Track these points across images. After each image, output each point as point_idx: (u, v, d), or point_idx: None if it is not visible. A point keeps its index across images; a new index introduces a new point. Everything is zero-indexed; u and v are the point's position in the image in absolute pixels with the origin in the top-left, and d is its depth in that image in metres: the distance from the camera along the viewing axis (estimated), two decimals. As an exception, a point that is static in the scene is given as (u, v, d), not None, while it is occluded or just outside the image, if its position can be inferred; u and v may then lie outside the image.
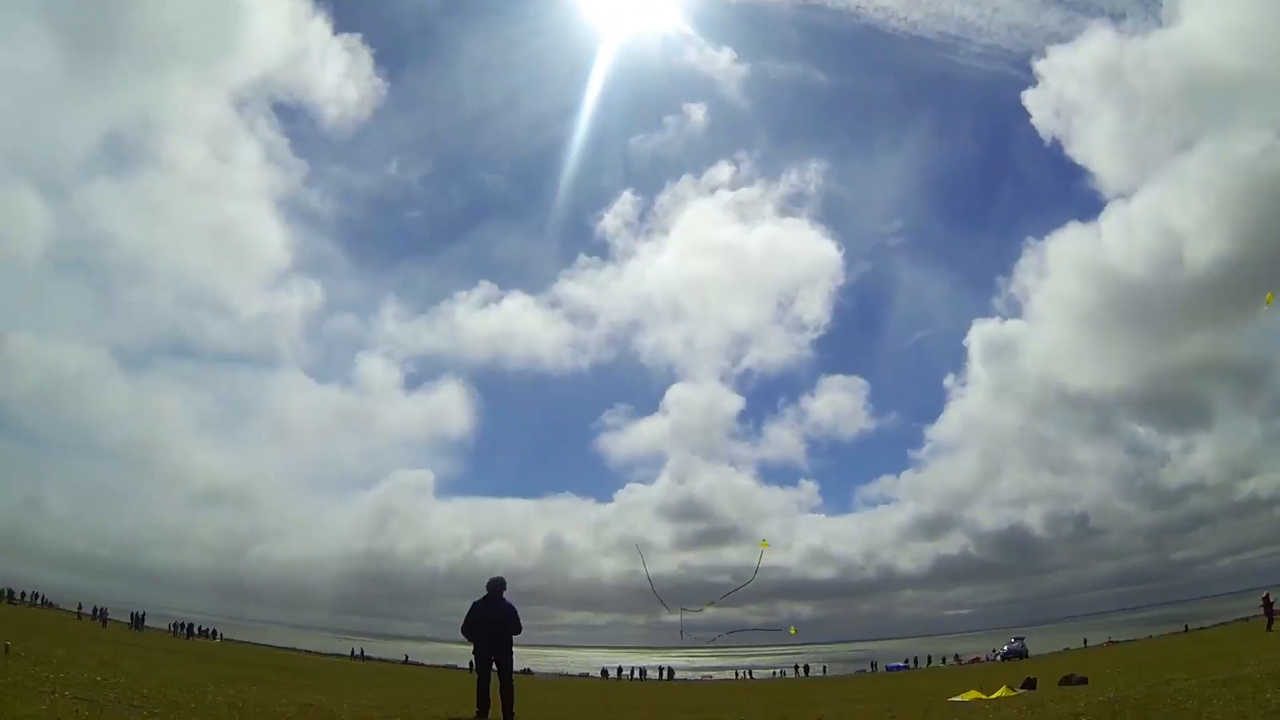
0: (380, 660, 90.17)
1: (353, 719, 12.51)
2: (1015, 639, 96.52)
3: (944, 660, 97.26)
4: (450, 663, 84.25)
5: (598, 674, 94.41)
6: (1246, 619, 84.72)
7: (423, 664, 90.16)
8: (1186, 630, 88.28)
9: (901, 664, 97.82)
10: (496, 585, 15.81)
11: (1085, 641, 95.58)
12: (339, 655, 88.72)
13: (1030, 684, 24.75)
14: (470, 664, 16.39)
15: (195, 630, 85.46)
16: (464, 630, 15.71)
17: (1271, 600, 49.49)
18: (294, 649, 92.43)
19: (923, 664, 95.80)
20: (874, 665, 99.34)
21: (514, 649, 15.77)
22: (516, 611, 15.84)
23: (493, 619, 15.55)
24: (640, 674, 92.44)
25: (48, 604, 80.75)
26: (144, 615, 75.44)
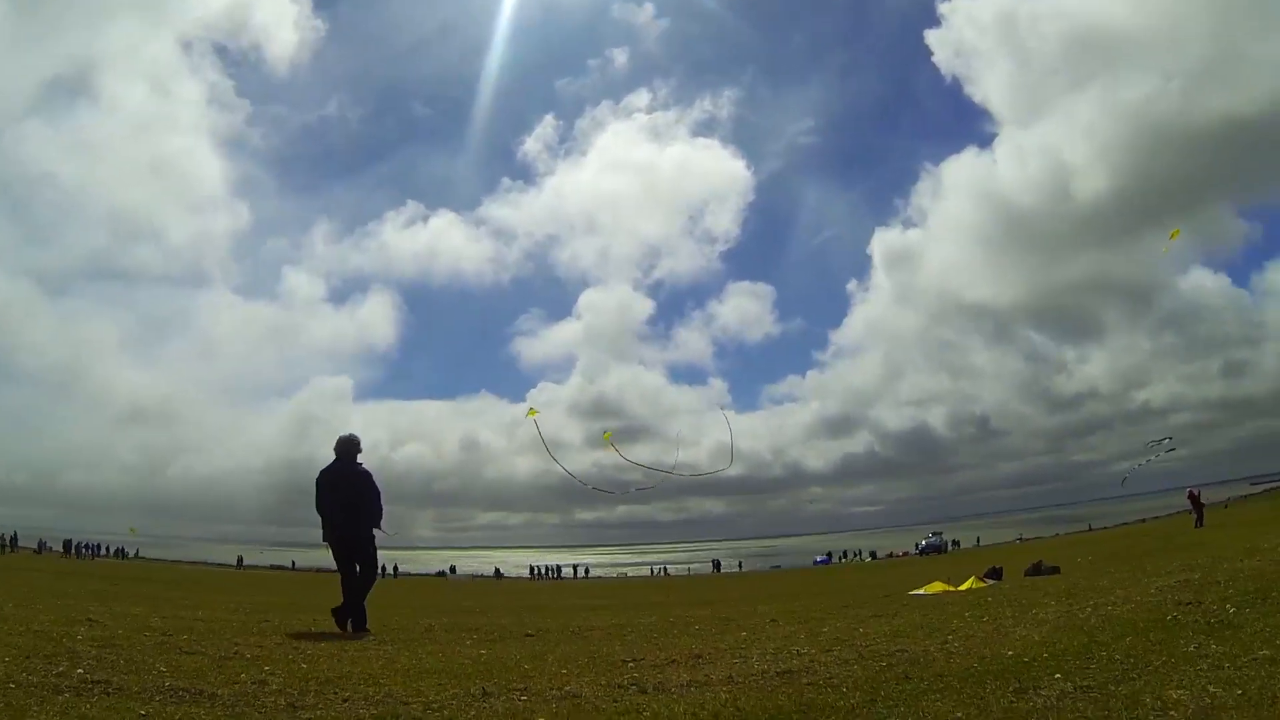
0: (269, 568, 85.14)
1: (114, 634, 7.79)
2: (933, 533, 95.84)
3: (858, 555, 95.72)
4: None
5: (518, 574, 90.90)
6: (1144, 519, 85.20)
7: (321, 569, 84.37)
8: (1090, 529, 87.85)
9: (825, 558, 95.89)
10: (346, 446, 10.79)
11: (978, 540, 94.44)
12: (253, 567, 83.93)
13: (996, 574, 21.95)
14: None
15: (101, 550, 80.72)
16: (318, 508, 10.70)
17: (1198, 495, 47.83)
18: (205, 562, 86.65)
19: (838, 559, 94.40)
20: (830, 556, 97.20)
21: (374, 539, 10.90)
22: (371, 478, 10.79)
23: (342, 494, 10.58)
24: (555, 572, 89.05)
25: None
26: (15, 536, 70.00)
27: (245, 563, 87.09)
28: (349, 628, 10.24)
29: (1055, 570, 21.26)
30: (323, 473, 10.75)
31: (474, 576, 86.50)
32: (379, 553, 11.11)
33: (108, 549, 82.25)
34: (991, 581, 20.07)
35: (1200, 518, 44.59)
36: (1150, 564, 16.19)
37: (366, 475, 10.77)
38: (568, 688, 5.85)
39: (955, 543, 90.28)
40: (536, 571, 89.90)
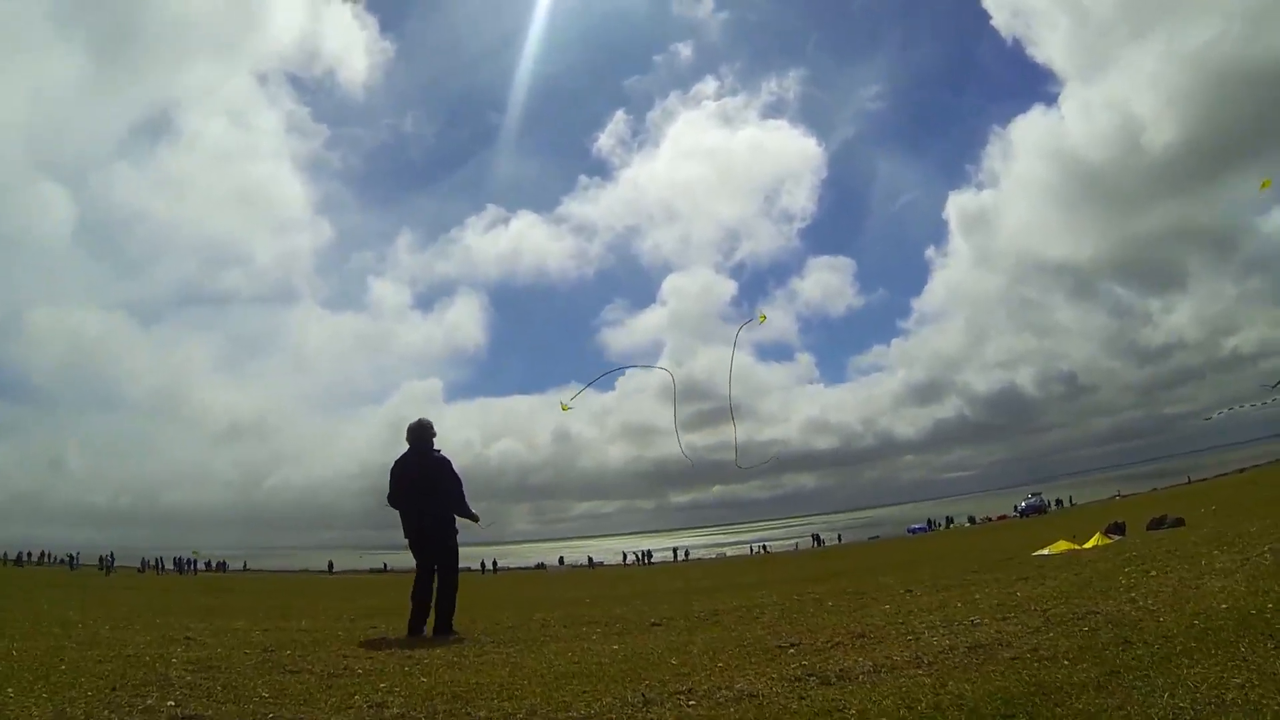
0: (368, 571, 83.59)
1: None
2: (1032, 494, 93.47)
3: (953, 521, 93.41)
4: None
5: (616, 560, 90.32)
6: (1243, 469, 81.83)
7: (388, 570, 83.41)
8: (1189, 482, 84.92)
9: (922, 526, 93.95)
10: (419, 432, 9.88)
11: (1070, 499, 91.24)
12: (352, 571, 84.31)
13: (1119, 529, 20.90)
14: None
15: (201, 565, 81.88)
16: (390, 502, 9.83)
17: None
18: (306, 570, 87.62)
19: (940, 525, 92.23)
20: (930, 524, 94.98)
21: (456, 532, 9.86)
22: (450, 465, 9.82)
23: (418, 483, 9.65)
24: (647, 557, 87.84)
25: (59, 561, 76.08)
26: (112, 556, 72.45)
27: (336, 567, 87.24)
28: (428, 631, 9.35)
29: (1180, 523, 20.35)
30: (396, 463, 9.85)
31: (572, 567, 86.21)
32: (460, 548, 10.03)
33: (208, 564, 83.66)
34: (1117, 537, 19.00)
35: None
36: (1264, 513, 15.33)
37: (444, 462, 9.82)
38: (737, 685, 4.92)
39: (1059, 502, 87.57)
40: (629, 558, 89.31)
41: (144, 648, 7.70)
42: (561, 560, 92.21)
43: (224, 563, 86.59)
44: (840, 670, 5.21)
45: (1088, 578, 9.12)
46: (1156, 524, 21.26)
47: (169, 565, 78.08)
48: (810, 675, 5.16)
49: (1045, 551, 17.67)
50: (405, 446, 9.92)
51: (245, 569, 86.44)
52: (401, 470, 9.76)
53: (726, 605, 11.74)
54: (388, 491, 9.83)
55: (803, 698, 4.58)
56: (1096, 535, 19.29)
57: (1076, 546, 17.78)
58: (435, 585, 9.59)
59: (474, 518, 10.06)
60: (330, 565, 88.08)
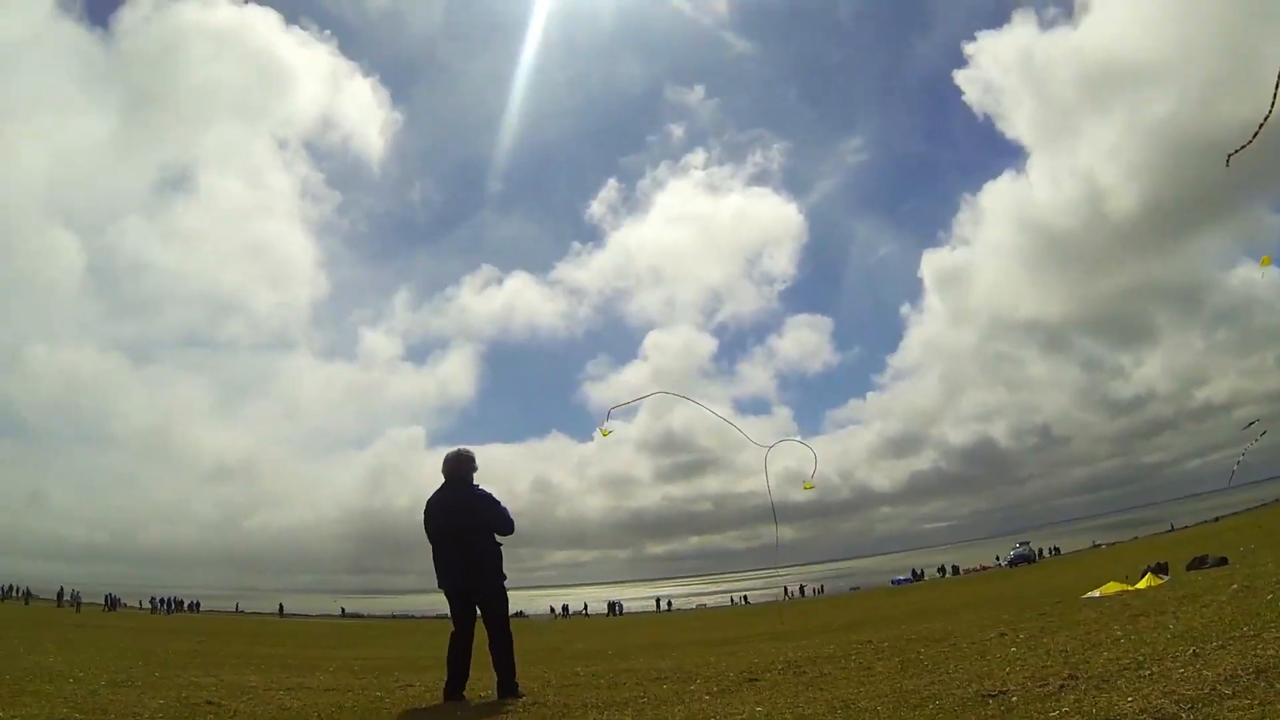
0: (339, 615, 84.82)
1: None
2: (1020, 543, 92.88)
3: (942, 572, 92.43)
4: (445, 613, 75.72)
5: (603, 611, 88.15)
6: (1218, 516, 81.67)
7: (401, 615, 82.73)
8: (1173, 529, 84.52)
9: (905, 577, 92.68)
10: (456, 465, 8.29)
11: (1042, 551, 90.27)
12: (325, 616, 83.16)
13: (1163, 569, 20.13)
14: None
15: (176, 605, 79.75)
16: (433, 541, 8.20)
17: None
18: (278, 614, 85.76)
19: (932, 575, 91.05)
20: (917, 574, 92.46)
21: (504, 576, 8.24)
22: (492, 499, 8.14)
23: (456, 520, 8.07)
24: (618, 609, 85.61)
25: (34, 596, 72.90)
26: (68, 592, 70.00)
27: (309, 611, 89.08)
28: (471, 694, 7.86)
29: (1223, 562, 19.91)
30: (432, 499, 8.32)
31: (557, 616, 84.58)
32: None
33: (181, 603, 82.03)
34: (1165, 578, 18.26)
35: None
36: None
37: (486, 498, 8.19)
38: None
39: (1056, 549, 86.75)
40: (589, 607, 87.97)
41: (164, 718, 6.10)
42: (566, 609, 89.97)
43: (197, 603, 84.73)
44: (1145, 709, 3.95)
45: (1235, 610, 7.96)
46: (1198, 563, 20.80)
47: (134, 604, 75.76)
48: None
49: (1096, 593, 16.76)
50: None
51: (237, 610, 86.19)
52: (439, 508, 8.25)
53: (793, 656, 10.20)
54: (427, 531, 8.25)
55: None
56: (1148, 576, 18.43)
57: (1129, 587, 17.07)
58: (488, 640, 8.01)
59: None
60: (281, 608, 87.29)
